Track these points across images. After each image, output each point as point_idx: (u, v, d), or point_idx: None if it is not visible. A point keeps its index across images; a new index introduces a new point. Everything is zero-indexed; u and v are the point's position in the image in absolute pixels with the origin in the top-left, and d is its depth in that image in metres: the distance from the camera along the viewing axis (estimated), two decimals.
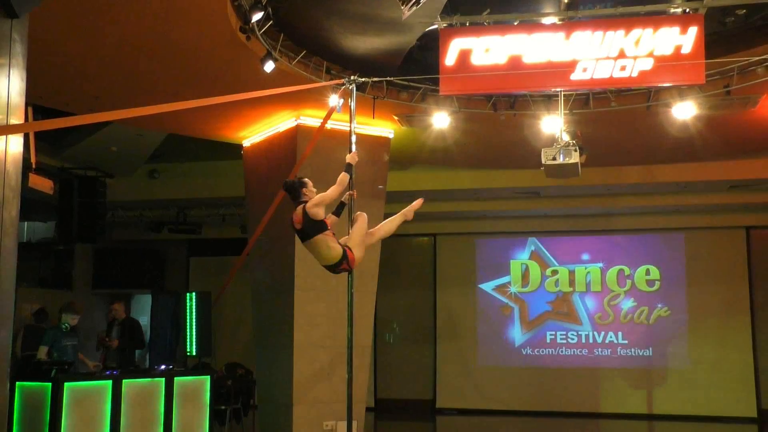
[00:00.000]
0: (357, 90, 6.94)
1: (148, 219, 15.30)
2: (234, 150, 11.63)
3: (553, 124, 9.12)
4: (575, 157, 8.31)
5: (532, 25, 8.34)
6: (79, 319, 9.76)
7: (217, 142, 11.46)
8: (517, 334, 15.51)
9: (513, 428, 14.09)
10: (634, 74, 8.02)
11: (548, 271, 15.47)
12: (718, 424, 13.86)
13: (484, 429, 14.09)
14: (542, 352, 15.34)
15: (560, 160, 8.33)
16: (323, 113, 9.11)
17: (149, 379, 9.34)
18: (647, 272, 15.04)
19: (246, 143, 11.29)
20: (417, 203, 6.62)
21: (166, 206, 14.97)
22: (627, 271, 15.11)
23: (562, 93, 8.70)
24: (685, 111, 9.20)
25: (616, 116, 9.64)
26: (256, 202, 10.99)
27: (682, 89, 8.98)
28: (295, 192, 6.23)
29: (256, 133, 10.99)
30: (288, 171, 9.85)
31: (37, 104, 9.27)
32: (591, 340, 15.15)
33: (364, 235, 6.28)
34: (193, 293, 11.91)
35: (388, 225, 6.59)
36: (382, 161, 10.85)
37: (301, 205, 6.12)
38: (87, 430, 8.61)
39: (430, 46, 8.78)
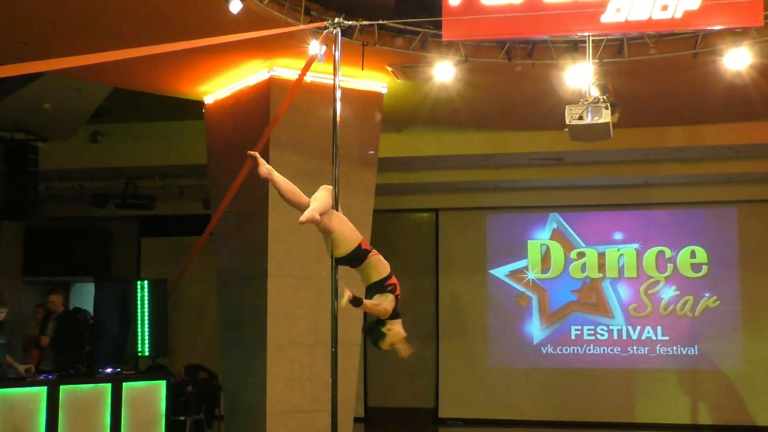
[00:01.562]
0: (342, 35, 6.91)
1: (89, 191, 15.26)
2: (194, 108, 11.59)
3: (579, 77, 9.10)
4: (606, 116, 8.31)
5: None
6: (7, 313, 9.78)
7: (174, 98, 11.43)
8: (535, 329, 15.60)
9: None
10: (678, 15, 8.00)
11: (573, 254, 15.53)
12: None
13: None
14: (566, 350, 15.43)
15: (588, 119, 8.33)
16: (301, 63, 9.08)
17: (92, 384, 9.39)
18: (692, 254, 15.11)
19: (208, 100, 11.26)
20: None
21: (112, 176, 14.93)
22: (668, 253, 15.17)
23: (591, 38, 8.68)
24: (738, 59, 9.19)
25: (655, 66, 9.62)
26: (221, 171, 10.97)
27: (735, 33, 8.96)
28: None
29: (220, 87, 10.95)
30: (259, 133, 9.85)
31: None
32: (624, 336, 15.24)
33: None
34: (146, 281, 11.92)
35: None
36: (373, 121, 10.83)
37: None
38: None
39: None
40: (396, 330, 6.37)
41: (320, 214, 5.99)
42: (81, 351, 11.96)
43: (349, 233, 6.25)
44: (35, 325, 12.18)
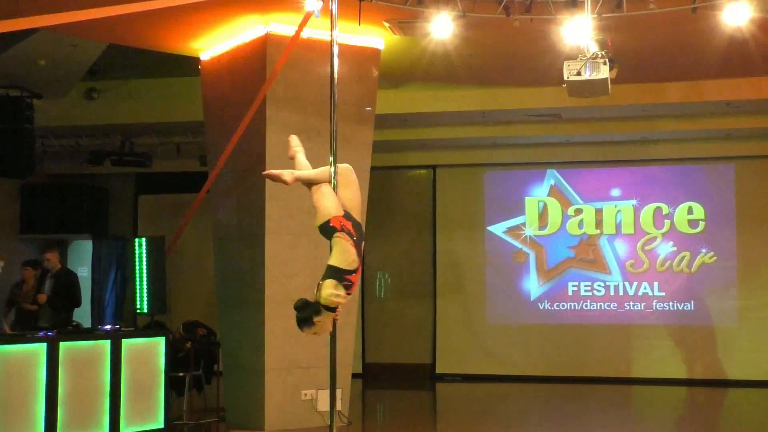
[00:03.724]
0: None
1: (86, 149, 15.21)
2: (190, 64, 11.53)
3: (577, 32, 9.05)
4: (604, 72, 8.29)
5: None
6: (2, 268, 9.81)
7: (170, 54, 11.36)
8: (533, 285, 15.67)
9: (527, 396, 14.32)
10: None
11: (571, 210, 15.55)
12: None
13: (493, 398, 14.32)
14: (563, 306, 15.51)
15: (586, 75, 8.31)
16: (298, 19, 9.04)
17: (92, 341, 9.43)
18: (689, 211, 15.14)
19: (204, 56, 11.19)
20: None
21: (108, 133, 14.89)
22: (665, 209, 15.20)
23: None
24: (738, 14, 9.13)
25: (654, 21, 9.56)
26: (218, 128, 10.94)
27: None
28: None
29: (216, 43, 10.88)
30: (256, 89, 9.82)
31: None
32: (621, 293, 15.31)
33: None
34: (143, 238, 11.91)
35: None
36: (370, 78, 10.79)
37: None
38: (17, 402, 8.72)
39: None
40: (326, 324, 6.10)
41: (306, 183, 6.06)
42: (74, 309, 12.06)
43: (322, 207, 6.10)
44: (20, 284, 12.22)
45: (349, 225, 5.98)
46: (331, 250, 5.93)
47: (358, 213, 6.15)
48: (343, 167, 6.22)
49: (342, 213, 6.00)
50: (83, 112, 14.10)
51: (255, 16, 10.00)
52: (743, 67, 11.62)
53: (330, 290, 5.87)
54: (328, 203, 6.07)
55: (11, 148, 12.67)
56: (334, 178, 6.13)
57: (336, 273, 5.91)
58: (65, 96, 13.80)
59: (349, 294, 5.97)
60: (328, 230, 5.98)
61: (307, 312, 6.00)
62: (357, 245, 5.97)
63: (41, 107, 13.27)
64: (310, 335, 6.10)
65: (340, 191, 6.16)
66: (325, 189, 6.14)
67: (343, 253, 5.95)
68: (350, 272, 5.94)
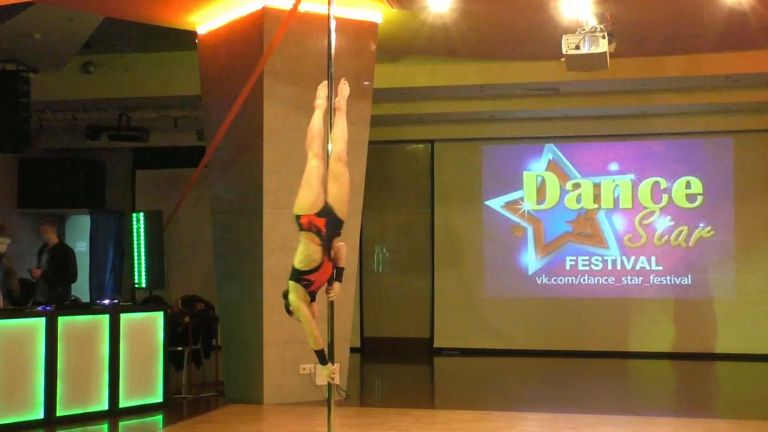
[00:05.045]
0: None
1: (83, 123, 15.18)
2: (188, 38, 11.48)
3: (576, 5, 9.02)
4: (603, 46, 8.27)
5: None
6: (9, 245, 9.83)
7: (167, 28, 11.31)
8: (530, 259, 15.69)
9: (524, 370, 14.37)
10: None
11: (569, 185, 15.55)
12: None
13: (491, 371, 14.37)
14: (560, 280, 15.55)
15: (585, 49, 8.29)
16: None
17: (90, 316, 9.46)
18: (687, 185, 15.14)
19: (201, 30, 11.15)
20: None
21: (105, 107, 14.84)
22: (663, 183, 15.20)
23: None
24: None
25: None
26: (215, 101, 10.92)
27: None
28: None
29: (213, 17, 10.82)
30: (253, 63, 9.79)
31: None
32: (619, 267, 15.35)
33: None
34: (141, 213, 11.91)
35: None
36: (368, 51, 10.76)
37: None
38: (16, 376, 8.76)
39: None
40: (304, 316, 6.24)
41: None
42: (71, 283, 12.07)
43: (298, 199, 6.22)
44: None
45: (320, 223, 6.09)
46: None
47: (343, 208, 6.25)
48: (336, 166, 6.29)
49: (316, 210, 6.10)
50: (80, 86, 14.05)
51: None
52: (742, 40, 11.59)
53: (291, 294, 6.22)
54: (304, 197, 6.16)
55: (7, 122, 12.64)
56: (329, 156, 6.19)
57: (295, 274, 6.20)
58: (62, 69, 13.75)
59: (311, 291, 6.22)
60: (297, 224, 6.16)
61: (287, 301, 6.23)
62: (325, 243, 6.13)
63: (37, 81, 13.23)
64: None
65: (329, 184, 6.23)
66: (306, 179, 6.22)
67: (303, 254, 6.16)
68: (308, 272, 6.15)
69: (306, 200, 6.16)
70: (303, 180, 6.21)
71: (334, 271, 6.35)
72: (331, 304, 6.54)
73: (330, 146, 6.34)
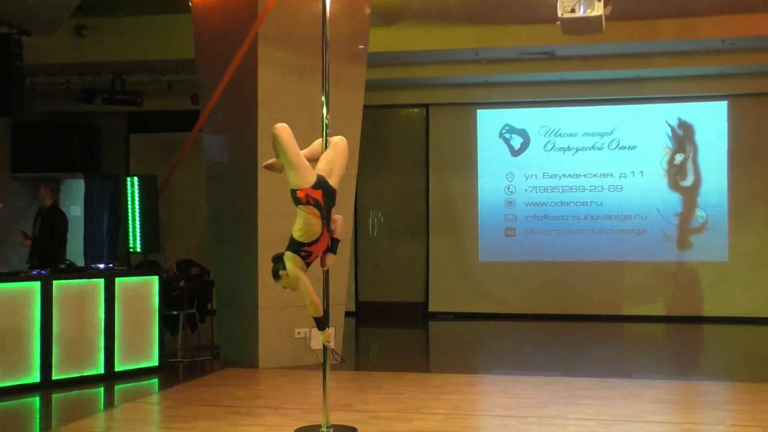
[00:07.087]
0: None
1: (76, 87, 15.11)
2: (182, 1, 11.39)
3: None
4: (598, 9, 8.22)
5: None
6: (2, 209, 9.79)
7: None
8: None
9: (519, 334, 14.42)
10: None
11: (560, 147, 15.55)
12: (760, 326, 14.23)
13: (485, 335, 14.43)
14: (555, 245, 15.57)
15: (580, 12, 8.24)
16: None
17: (85, 280, 9.46)
18: (682, 148, 15.15)
19: None
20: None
21: (99, 71, 14.77)
22: (659, 147, 15.20)
23: None
24: None
25: None
26: (210, 65, 10.85)
27: None
28: None
29: None
30: (247, 27, 9.72)
31: None
32: (616, 229, 15.38)
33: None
34: (135, 177, 11.86)
35: None
36: (362, 15, 10.68)
37: None
38: (11, 340, 8.78)
39: None
40: (304, 285, 6.31)
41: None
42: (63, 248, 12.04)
43: (292, 177, 6.32)
44: None
45: (318, 194, 6.24)
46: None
47: (337, 180, 6.46)
48: (338, 138, 6.60)
49: (312, 182, 6.23)
50: (73, 50, 13.96)
51: None
52: (739, 3, 11.54)
53: (288, 263, 6.30)
54: (295, 175, 6.37)
55: (1, 86, 12.56)
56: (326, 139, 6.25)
57: (294, 244, 6.31)
58: (55, 33, 13.64)
59: (308, 263, 6.36)
60: (294, 199, 6.27)
61: (276, 266, 6.32)
62: (324, 214, 6.28)
63: (30, 44, 13.12)
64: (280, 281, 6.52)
65: (328, 154, 6.38)
66: (296, 159, 6.37)
67: (304, 227, 6.29)
68: (308, 243, 6.30)
69: (295, 177, 6.34)
70: (294, 161, 6.28)
71: (329, 242, 6.42)
72: (326, 271, 6.56)
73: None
